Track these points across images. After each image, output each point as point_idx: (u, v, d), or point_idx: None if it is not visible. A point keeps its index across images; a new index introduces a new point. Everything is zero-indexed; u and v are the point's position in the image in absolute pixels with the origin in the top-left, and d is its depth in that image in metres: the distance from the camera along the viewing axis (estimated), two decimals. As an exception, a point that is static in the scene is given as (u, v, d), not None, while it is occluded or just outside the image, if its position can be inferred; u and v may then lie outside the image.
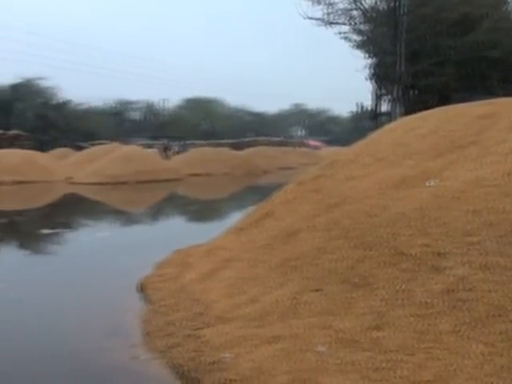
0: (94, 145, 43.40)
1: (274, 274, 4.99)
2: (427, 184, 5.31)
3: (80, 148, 44.85)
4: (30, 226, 13.97)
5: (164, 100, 79.99)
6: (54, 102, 60.74)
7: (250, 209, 8.20)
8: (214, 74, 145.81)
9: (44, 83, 63.19)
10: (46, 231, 11.66)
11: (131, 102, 76.52)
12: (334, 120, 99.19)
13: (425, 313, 3.88)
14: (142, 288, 6.14)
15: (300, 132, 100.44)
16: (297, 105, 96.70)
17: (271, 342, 3.97)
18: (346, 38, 25.07)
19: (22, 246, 11.16)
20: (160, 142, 52.72)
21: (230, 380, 3.62)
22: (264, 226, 6.26)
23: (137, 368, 4.09)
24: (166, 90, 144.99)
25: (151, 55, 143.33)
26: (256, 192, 22.66)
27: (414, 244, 4.54)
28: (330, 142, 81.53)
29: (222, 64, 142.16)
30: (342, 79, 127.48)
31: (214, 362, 3.85)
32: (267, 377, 3.58)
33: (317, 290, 4.45)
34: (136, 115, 79.97)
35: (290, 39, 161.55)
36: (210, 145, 43.71)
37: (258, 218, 6.66)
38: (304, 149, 58.72)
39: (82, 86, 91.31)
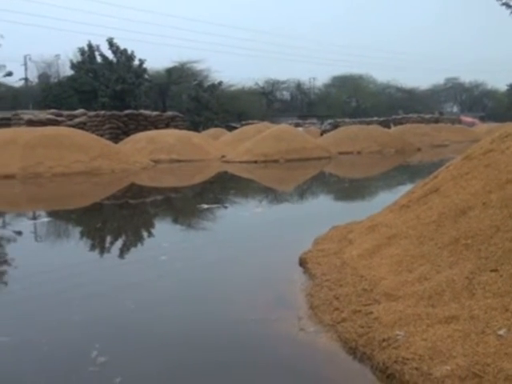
0: (244, 124, 44.52)
1: (444, 252, 4.76)
2: None
3: (232, 128, 46.29)
4: (187, 201, 14.63)
5: (312, 79, 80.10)
6: (207, 83, 62.96)
7: (405, 188, 7.95)
8: (361, 51, 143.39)
9: (197, 66, 65.99)
10: (203, 206, 12.12)
11: (280, 82, 77.44)
12: (490, 94, 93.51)
13: None
14: (303, 262, 6.16)
15: (453, 108, 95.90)
16: (450, 79, 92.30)
17: (446, 323, 3.79)
18: (505, 5, 23.48)
19: (183, 219, 11.69)
20: (308, 122, 52.96)
21: (404, 358, 3.50)
22: (429, 202, 6.00)
23: (306, 340, 4.11)
24: (314, 68, 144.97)
25: (299, 34, 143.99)
26: (409, 171, 22.03)
27: None
28: (485, 118, 77.28)
29: (371, 39, 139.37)
30: (499, 50, 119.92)
31: (385, 339, 3.75)
32: (443, 358, 3.42)
33: (493, 271, 4.18)
34: (285, 95, 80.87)
35: (443, 8, 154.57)
36: (358, 123, 43.11)
37: (421, 195, 6.40)
38: (458, 125, 56.08)
39: (233, 68, 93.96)
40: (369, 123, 42.79)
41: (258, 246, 7.86)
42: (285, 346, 4.08)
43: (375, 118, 53.92)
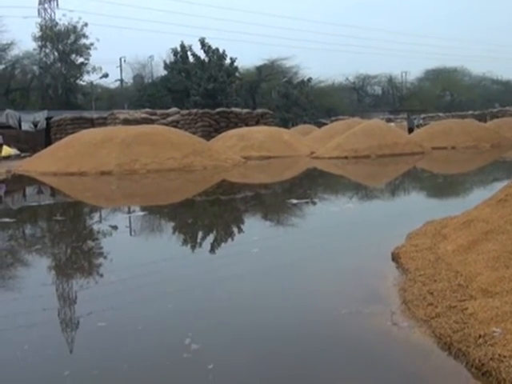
0: (334, 120, 44.26)
1: (545, 247, 4.55)
2: None
3: (321, 124, 46.16)
4: (276, 197, 14.69)
5: (404, 73, 78.44)
6: (296, 80, 63.10)
7: (501, 185, 7.63)
8: (455, 43, 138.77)
9: (286, 63, 66.29)
10: (293, 201, 12.17)
11: (371, 77, 76.41)
12: None
13: None
14: (396, 257, 6.07)
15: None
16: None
17: (546, 320, 3.63)
18: None
19: (272, 215, 11.74)
20: (400, 117, 51.90)
21: (500, 355, 3.38)
22: (529, 196, 5.75)
23: (399, 334, 4.04)
24: (406, 62, 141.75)
25: (390, 27, 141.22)
26: (505, 167, 21.13)
27: None
28: None
29: (464, 29, 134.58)
30: None
31: (481, 336, 3.63)
32: (543, 356, 3.28)
33: None
34: (376, 89, 79.76)
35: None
36: (453, 117, 41.81)
37: (520, 189, 6.14)
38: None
39: (323, 64, 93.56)
40: (463, 117, 41.39)
41: (348, 241, 7.82)
42: (377, 340, 4.03)
43: (470, 112, 52.12)
